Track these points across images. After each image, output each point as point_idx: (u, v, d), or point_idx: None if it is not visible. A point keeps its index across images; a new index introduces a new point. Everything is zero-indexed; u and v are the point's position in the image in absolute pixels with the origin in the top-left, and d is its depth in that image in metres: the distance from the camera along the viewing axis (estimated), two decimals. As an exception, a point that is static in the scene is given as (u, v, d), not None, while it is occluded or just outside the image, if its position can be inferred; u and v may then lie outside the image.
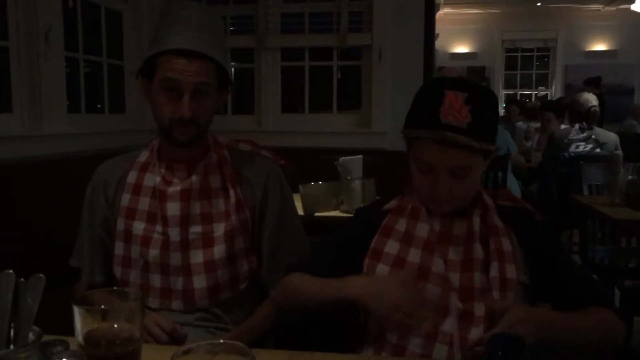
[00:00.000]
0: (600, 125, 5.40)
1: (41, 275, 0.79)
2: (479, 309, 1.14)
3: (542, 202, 4.57)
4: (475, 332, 1.12)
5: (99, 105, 3.51)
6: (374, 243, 1.25)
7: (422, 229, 1.22)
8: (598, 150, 4.32)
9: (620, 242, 3.02)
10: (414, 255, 1.20)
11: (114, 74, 3.41)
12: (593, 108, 4.37)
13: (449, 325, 1.13)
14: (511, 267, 1.17)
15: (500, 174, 4.04)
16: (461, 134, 1.10)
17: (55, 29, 2.66)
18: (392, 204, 1.31)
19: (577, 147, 4.37)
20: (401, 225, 1.25)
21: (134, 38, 3.47)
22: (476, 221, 1.20)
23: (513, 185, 4.32)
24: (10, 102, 2.58)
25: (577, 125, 4.40)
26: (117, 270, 1.44)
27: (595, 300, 1.17)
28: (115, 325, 0.81)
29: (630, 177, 2.80)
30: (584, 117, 4.36)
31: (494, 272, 1.16)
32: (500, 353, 0.67)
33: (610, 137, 4.41)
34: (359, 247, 1.26)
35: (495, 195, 1.29)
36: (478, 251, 1.18)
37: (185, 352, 0.67)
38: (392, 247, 1.23)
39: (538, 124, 6.24)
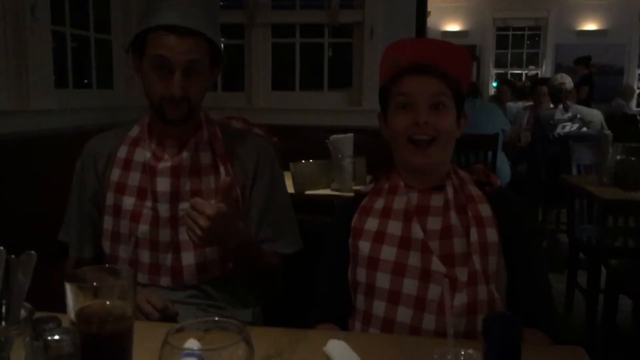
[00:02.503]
0: (589, 105, 5.44)
1: (32, 252, 0.79)
2: (462, 274, 1.15)
3: (531, 182, 4.60)
4: (460, 298, 1.14)
5: (86, 81, 3.46)
6: (353, 222, 1.27)
7: (400, 202, 1.24)
8: (585, 129, 4.37)
9: (608, 221, 3.05)
10: (393, 227, 1.22)
11: (101, 49, 3.35)
12: (564, 86, 4.53)
13: (433, 292, 1.15)
14: (492, 231, 1.19)
15: (490, 153, 4.05)
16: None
17: (41, 2, 2.60)
18: (369, 186, 1.34)
19: (564, 127, 4.41)
20: (379, 203, 1.27)
21: (122, 12, 3.41)
22: (449, 190, 1.23)
23: (503, 164, 4.34)
24: (-4, 77, 2.53)
25: (560, 106, 4.46)
26: (106, 245, 1.44)
27: (543, 313, 1.18)
28: (108, 303, 0.81)
29: (618, 157, 2.82)
30: (559, 96, 4.47)
31: (473, 237, 1.18)
32: (496, 332, 0.67)
33: (594, 114, 4.49)
34: (346, 238, 1.27)
35: (470, 171, 1.31)
36: (454, 218, 1.20)
37: (179, 330, 0.67)
38: (371, 223, 1.25)
39: (527, 104, 6.26)
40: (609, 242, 3.04)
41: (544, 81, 5.78)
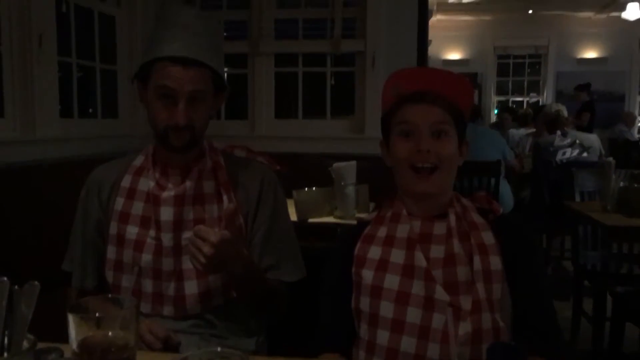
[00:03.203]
0: (590, 131, 5.48)
1: (36, 282, 0.79)
2: (466, 302, 1.14)
3: (535, 208, 4.60)
4: (464, 327, 1.13)
5: (90, 110, 3.50)
6: (356, 251, 1.26)
7: (403, 230, 1.24)
8: (585, 154, 4.40)
9: (612, 248, 3.03)
10: (396, 256, 1.21)
11: (106, 79, 3.39)
12: (560, 113, 4.68)
13: (437, 320, 1.14)
14: (495, 259, 1.18)
15: (492, 180, 4.05)
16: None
17: (48, 33, 2.65)
18: (372, 214, 1.34)
19: (564, 153, 4.44)
20: (382, 232, 1.27)
21: (127, 43, 3.46)
22: (452, 218, 1.23)
23: (506, 191, 4.34)
24: (2, 106, 2.56)
25: (558, 132, 4.50)
26: (109, 275, 1.43)
27: (548, 341, 1.17)
28: (110, 333, 0.80)
29: (621, 183, 2.81)
30: (555, 123, 4.52)
31: (477, 264, 1.17)
32: (499, 362, 0.67)
33: (592, 139, 4.54)
34: (349, 267, 1.27)
35: (472, 199, 1.31)
36: (457, 246, 1.19)
37: (183, 360, 0.67)
38: (374, 252, 1.24)
39: (529, 130, 6.29)
40: (614, 269, 3.02)
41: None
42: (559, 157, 4.42)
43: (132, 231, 1.41)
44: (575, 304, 3.31)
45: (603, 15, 9.53)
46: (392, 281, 1.19)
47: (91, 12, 3.23)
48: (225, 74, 1.48)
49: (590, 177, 3.54)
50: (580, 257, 3.19)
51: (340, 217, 2.58)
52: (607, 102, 9.11)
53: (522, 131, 6.54)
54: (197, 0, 3.82)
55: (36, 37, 2.58)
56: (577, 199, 3.50)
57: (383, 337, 1.17)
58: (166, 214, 1.39)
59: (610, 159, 3.06)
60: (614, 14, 9.13)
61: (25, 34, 2.56)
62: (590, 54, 9.89)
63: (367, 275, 1.22)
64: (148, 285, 1.40)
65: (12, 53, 2.56)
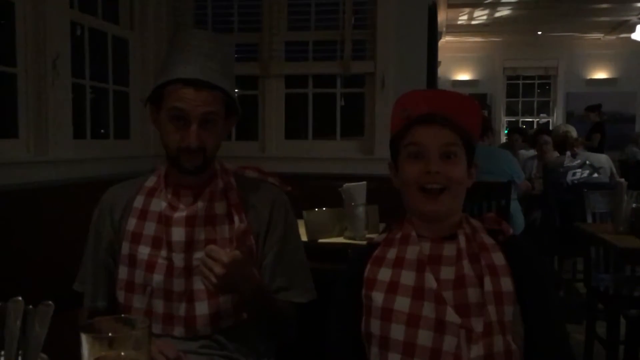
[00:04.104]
0: (601, 152, 5.45)
1: (50, 302, 0.79)
2: (477, 325, 1.13)
3: (546, 230, 4.56)
4: (476, 350, 1.12)
5: (103, 131, 3.53)
6: (366, 273, 1.26)
7: (413, 252, 1.24)
8: (596, 175, 4.37)
9: (625, 270, 3.00)
10: (406, 278, 1.21)
11: (119, 100, 3.44)
12: (569, 134, 4.67)
13: (449, 343, 1.13)
14: (506, 280, 1.18)
15: (503, 201, 4.03)
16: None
17: (63, 56, 2.69)
18: (382, 236, 1.33)
19: (574, 174, 4.42)
20: (392, 253, 1.26)
21: (140, 65, 3.51)
22: (462, 239, 1.23)
23: (517, 212, 4.31)
24: (16, 127, 2.60)
25: (568, 153, 4.48)
26: (121, 295, 1.44)
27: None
28: (123, 353, 0.81)
29: (634, 205, 2.80)
30: (564, 144, 4.50)
31: (487, 286, 1.16)
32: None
33: (602, 160, 4.51)
34: (358, 290, 1.26)
35: (482, 219, 1.31)
36: (467, 267, 1.19)
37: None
38: (384, 274, 1.24)
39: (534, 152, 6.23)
40: (628, 292, 2.98)
41: (545, 130, 5.82)
42: (569, 177, 4.39)
43: (143, 251, 1.42)
44: (588, 327, 3.27)
45: (612, 37, 9.55)
46: (402, 303, 1.18)
47: (105, 35, 3.28)
48: (237, 96, 1.49)
49: (602, 199, 3.52)
50: (592, 279, 3.16)
51: (350, 238, 2.57)
52: (617, 123, 9.09)
53: (532, 152, 6.51)
54: (208, 22, 3.87)
55: (51, 59, 2.62)
56: (589, 220, 3.48)
57: (394, 360, 1.16)
58: (178, 234, 1.40)
59: (622, 180, 3.04)
60: (624, 35, 9.14)
61: (40, 56, 2.60)
62: (600, 74, 9.89)
63: (377, 297, 1.21)
64: (159, 305, 1.40)
65: (27, 75, 2.60)
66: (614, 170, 4.54)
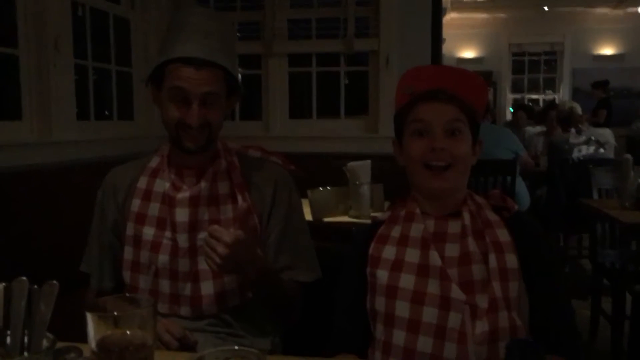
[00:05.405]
0: (608, 127, 5.41)
1: (54, 282, 0.80)
2: (482, 301, 1.14)
3: (551, 207, 4.55)
4: (481, 326, 1.12)
5: (106, 112, 3.53)
6: (371, 251, 1.26)
7: (417, 229, 1.23)
8: (601, 150, 4.35)
9: (631, 246, 3.00)
10: (411, 255, 1.21)
11: (122, 81, 3.42)
12: (574, 110, 4.66)
13: (454, 320, 1.13)
14: (511, 257, 1.18)
15: (509, 178, 4.02)
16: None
17: (64, 36, 2.68)
18: (386, 214, 1.33)
19: (580, 150, 4.40)
20: (396, 231, 1.26)
21: (142, 45, 3.49)
22: (466, 216, 1.22)
23: (522, 189, 4.30)
24: (19, 109, 2.59)
25: (573, 129, 4.46)
26: (126, 276, 1.44)
27: (566, 340, 1.16)
28: (128, 332, 0.81)
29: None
30: (570, 121, 4.47)
31: (492, 263, 1.16)
32: (518, 359, 0.66)
33: (606, 135, 4.50)
34: (363, 267, 1.26)
35: (486, 196, 1.30)
36: (472, 244, 1.19)
37: (199, 359, 0.67)
38: (389, 252, 1.24)
39: (542, 129, 6.20)
40: (633, 267, 2.98)
41: (554, 106, 5.76)
42: (574, 154, 4.38)
43: (148, 232, 1.42)
44: (593, 303, 3.28)
45: (620, 11, 9.41)
46: (407, 281, 1.19)
47: (106, 15, 3.25)
48: (240, 75, 1.48)
49: (608, 175, 3.50)
50: (598, 255, 3.16)
51: (355, 217, 2.57)
52: (624, 99, 8.99)
53: (539, 129, 6.46)
54: (210, 2, 3.83)
55: (52, 40, 2.60)
56: (595, 196, 3.47)
57: (399, 337, 1.17)
58: (181, 215, 1.40)
59: (628, 155, 3.03)
60: (631, 9, 9.02)
61: (41, 37, 2.59)
62: (607, 50, 9.77)
63: (382, 275, 1.22)
64: (165, 285, 1.40)
65: (28, 56, 2.59)
66: (617, 145, 4.54)
